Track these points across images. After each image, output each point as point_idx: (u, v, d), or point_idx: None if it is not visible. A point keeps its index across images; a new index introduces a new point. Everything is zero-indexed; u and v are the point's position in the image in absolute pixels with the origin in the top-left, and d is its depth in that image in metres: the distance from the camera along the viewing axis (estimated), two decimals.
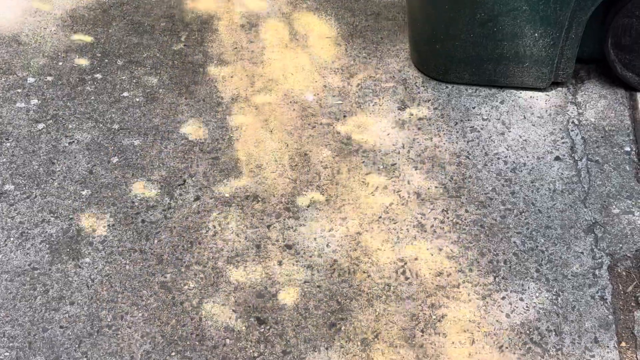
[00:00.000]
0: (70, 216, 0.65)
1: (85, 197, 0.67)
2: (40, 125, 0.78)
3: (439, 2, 0.77)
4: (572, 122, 0.77)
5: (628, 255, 0.59)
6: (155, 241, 0.62)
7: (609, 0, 0.72)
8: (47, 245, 0.61)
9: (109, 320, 0.53)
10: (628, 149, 0.72)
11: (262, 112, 0.81)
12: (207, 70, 0.88)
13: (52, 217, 0.65)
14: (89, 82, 0.86)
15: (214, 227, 0.63)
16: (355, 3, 1.01)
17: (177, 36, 0.95)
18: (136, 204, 0.66)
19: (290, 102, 0.83)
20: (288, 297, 0.55)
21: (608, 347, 0.50)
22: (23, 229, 0.63)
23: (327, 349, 0.50)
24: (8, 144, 0.75)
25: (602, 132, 0.74)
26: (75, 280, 0.57)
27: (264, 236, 0.62)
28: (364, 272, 0.58)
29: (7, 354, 0.50)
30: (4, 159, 0.72)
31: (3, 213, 0.65)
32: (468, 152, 0.72)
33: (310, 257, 0.60)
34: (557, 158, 0.71)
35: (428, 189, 0.67)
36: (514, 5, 0.71)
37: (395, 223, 0.63)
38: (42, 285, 0.56)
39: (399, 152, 0.73)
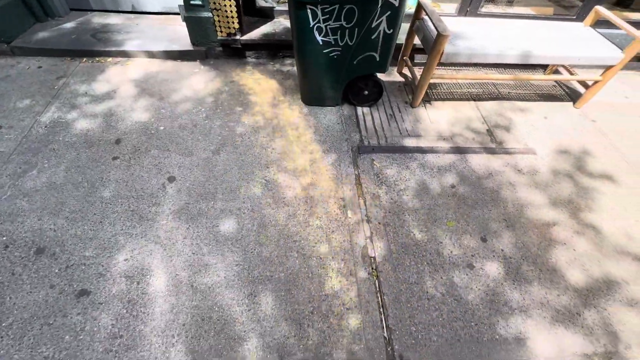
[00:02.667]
0: None
1: None
2: None
3: (306, 79, 2.53)
4: (341, 115, 2.70)
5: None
6: None
7: (349, 81, 2.67)
8: None
9: None
10: (355, 121, 2.69)
11: None
12: None
13: None
14: None
15: None
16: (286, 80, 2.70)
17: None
18: None
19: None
20: None
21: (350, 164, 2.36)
22: None
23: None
24: None
25: (349, 118, 2.69)
26: None
27: None
28: None
29: None
30: None
31: None
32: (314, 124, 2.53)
33: None
34: (339, 121, 2.62)
35: None
36: (326, 82, 2.56)
37: None
38: None
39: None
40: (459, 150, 2.34)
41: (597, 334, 1.54)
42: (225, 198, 1.94)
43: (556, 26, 2.65)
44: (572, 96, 2.97)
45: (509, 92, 2.94)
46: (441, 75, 2.52)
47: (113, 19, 3.18)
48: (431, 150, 2.31)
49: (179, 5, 2.75)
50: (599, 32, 2.60)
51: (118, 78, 2.71)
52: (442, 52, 2.21)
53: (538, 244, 1.87)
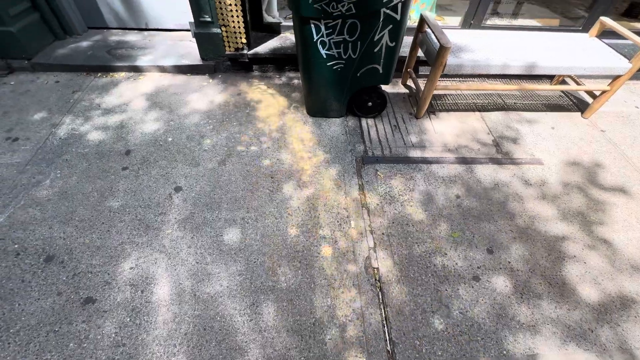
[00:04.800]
0: None
1: None
2: None
3: (310, 91, 2.58)
4: (346, 126, 2.73)
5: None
6: None
7: (353, 93, 2.70)
8: None
9: None
10: (360, 132, 2.70)
11: None
12: None
13: None
14: None
15: None
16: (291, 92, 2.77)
17: None
18: None
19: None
20: None
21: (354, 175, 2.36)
22: None
23: None
24: None
25: (353, 129, 2.70)
26: None
27: None
28: None
29: None
30: None
31: None
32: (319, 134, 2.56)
33: None
34: (343, 132, 2.64)
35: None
36: (330, 94, 2.60)
37: None
38: None
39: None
40: (465, 161, 2.33)
41: (610, 351, 1.48)
42: (229, 208, 1.96)
43: (561, 37, 2.65)
44: (580, 106, 2.94)
45: (515, 103, 2.93)
46: (445, 87, 2.54)
47: (128, 36, 3.32)
48: (436, 161, 2.31)
49: (190, 22, 2.86)
50: (605, 43, 2.59)
51: (130, 92, 2.81)
52: (445, 64, 2.23)
53: (547, 257, 1.82)
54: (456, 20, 3.51)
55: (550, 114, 2.85)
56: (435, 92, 2.48)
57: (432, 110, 2.78)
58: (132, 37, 3.32)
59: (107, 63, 2.94)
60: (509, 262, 1.79)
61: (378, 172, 2.22)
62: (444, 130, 2.60)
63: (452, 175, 2.24)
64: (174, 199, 2.00)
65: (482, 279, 1.72)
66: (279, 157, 2.29)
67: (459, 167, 2.30)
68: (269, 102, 2.79)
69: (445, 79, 3.11)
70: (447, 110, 2.80)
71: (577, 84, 2.80)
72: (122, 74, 2.99)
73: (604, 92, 2.59)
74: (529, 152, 2.46)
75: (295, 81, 3.06)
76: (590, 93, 2.73)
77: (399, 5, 1.87)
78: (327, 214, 1.95)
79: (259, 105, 2.74)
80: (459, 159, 2.34)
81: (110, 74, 2.98)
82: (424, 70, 3.15)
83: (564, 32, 2.76)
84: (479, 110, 2.82)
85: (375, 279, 1.68)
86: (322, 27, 1.97)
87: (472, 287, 1.68)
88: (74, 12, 3.15)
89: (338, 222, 1.92)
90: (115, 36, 3.33)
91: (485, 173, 2.27)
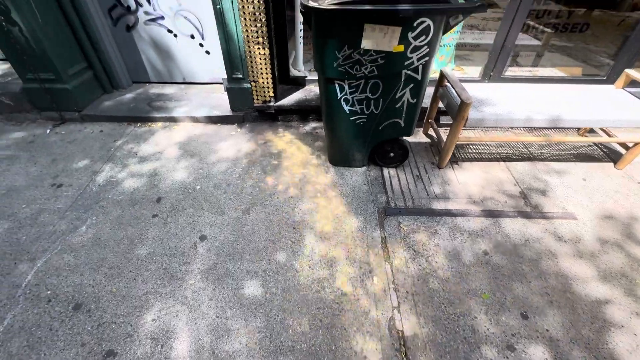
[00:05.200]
0: None
1: None
2: None
3: (333, 142, 2.67)
4: (368, 176, 2.76)
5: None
6: None
7: (373, 146, 2.76)
8: None
9: None
10: (382, 181, 2.72)
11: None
12: None
13: None
14: None
15: None
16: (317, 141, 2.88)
17: None
18: None
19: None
20: None
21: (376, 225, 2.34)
22: None
23: None
24: None
25: (375, 179, 2.72)
26: None
27: None
28: None
29: None
30: None
31: None
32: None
33: None
34: (366, 182, 2.66)
35: None
36: (352, 146, 2.67)
37: None
38: None
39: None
40: (491, 214, 2.26)
41: None
42: (251, 259, 1.97)
43: (585, 89, 2.64)
44: (612, 157, 2.84)
45: (541, 153, 2.88)
46: (468, 138, 2.55)
47: (167, 89, 3.63)
48: (461, 214, 2.26)
49: (223, 79, 3.10)
50: (633, 94, 2.55)
51: (165, 141, 3.01)
52: (467, 119, 2.26)
53: (590, 325, 1.67)
54: (475, 70, 3.60)
55: (580, 164, 2.76)
56: (458, 142, 2.49)
57: (454, 160, 2.77)
58: (170, 89, 3.63)
59: (146, 114, 3.20)
60: (547, 330, 1.65)
61: (401, 225, 2.19)
62: (467, 181, 2.56)
63: (478, 229, 2.17)
64: (198, 248, 2.05)
65: (517, 348, 1.58)
66: (302, 207, 2.32)
67: (486, 220, 2.24)
68: (293, 151, 2.90)
69: (467, 128, 3.13)
70: (470, 160, 2.79)
71: (608, 134, 2.73)
72: (159, 124, 3.23)
73: (637, 143, 2.50)
74: (560, 206, 2.36)
75: (318, 130, 3.18)
76: (623, 144, 2.64)
77: (420, 67, 1.96)
78: (349, 268, 1.92)
79: (283, 154, 2.85)
80: (485, 212, 2.28)
81: (149, 124, 3.23)
82: (445, 119, 3.20)
83: (588, 85, 2.75)
84: (504, 160, 2.79)
85: (400, 344, 1.59)
86: (346, 87, 2.08)
87: (507, 357, 1.55)
88: (121, 69, 3.51)
89: (360, 277, 1.88)
90: (156, 89, 3.65)
91: (514, 227, 2.19)
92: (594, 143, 2.99)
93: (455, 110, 2.30)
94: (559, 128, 3.08)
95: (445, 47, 3.49)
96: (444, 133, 2.99)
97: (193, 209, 2.32)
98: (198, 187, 2.51)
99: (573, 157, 2.85)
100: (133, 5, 3.11)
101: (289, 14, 2.95)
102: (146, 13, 3.17)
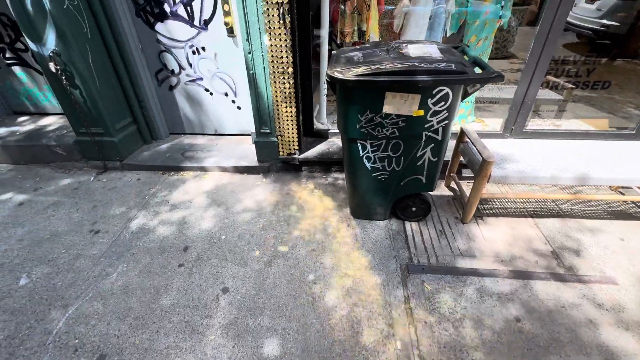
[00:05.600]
0: None
1: None
2: None
3: (355, 196, 2.72)
4: (389, 229, 2.75)
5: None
6: None
7: (395, 200, 2.78)
8: None
9: None
10: (404, 236, 2.70)
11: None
12: None
13: None
14: None
15: None
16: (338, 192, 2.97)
17: None
18: None
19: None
20: None
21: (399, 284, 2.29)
22: None
23: None
24: None
25: (397, 233, 2.70)
26: None
27: None
28: None
29: None
30: None
31: None
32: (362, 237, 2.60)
33: None
34: (387, 236, 2.64)
35: None
36: (374, 200, 2.71)
37: None
38: None
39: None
40: (522, 276, 2.16)
41: None
42: (272, 315, 1.96)
43: (612, 145, 2.60)
44: None
45: (571, 209, 2.78)
46: (492, 194, 2.53)
47: (199, 140, 3.92)
48: (488, 274, 2.17)
49: (252, 132, 3.33)
50: None
51: (195, 190, 3.19)
52: (490, 176, 2.27)
53: None
54: (497, 122, 3.64)
55: (616, 222, 2.63)
56: (482, 197, 2.47)
57: (479, 215, 2.73)
58: (201, 140, 3.91)
59: (179, 164, 3.44)
60: None
61: (425, 284, 2.13)
62: (494, 237, 2.49)
63: (508, 291, 2.07)
64: (220, 300, 2.07)
65: None
66: (323, 261, 2.32)
67: (515, 282, 2.13)
68: (315, 202, 2.97)
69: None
70: (496, 215, 2.73)
71: None
72: (191, 173, 3.44)
73: None
74: (598, 268, 2.22)
75: (340, 182, 3.27)
76: None
77: (440, 129, 2.04)
78: (372, 330, 1.86)
79: (305, 205, 2.92)
80: (514, 273, 2.19)
81: (181, 173, 3.45)
82: (467, 172, 3.20)
83: (615, 141, 2.71)
84: (532, 216, 2.71)
85: None
86: (368, 146, 2.18)
87: None
88: (162, 123, 3.86)
89: (383, 340, 1.81)
90: (189, 139, 3.94)
91: (548, 292, 2.06)
92: (632, 201, 2.86)
93: (477, 167, 2.32)
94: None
95: (464, 102, 3.60)
96: (466, 187, 2.98)
97: (217, 259, 2.38)
98: (223, 237, 2.60)
99: (607, 214, 2.72)
100: (177, 69, 3.50)
101: (314, 68, 3.20)
102: (187, 75, 3.55)
